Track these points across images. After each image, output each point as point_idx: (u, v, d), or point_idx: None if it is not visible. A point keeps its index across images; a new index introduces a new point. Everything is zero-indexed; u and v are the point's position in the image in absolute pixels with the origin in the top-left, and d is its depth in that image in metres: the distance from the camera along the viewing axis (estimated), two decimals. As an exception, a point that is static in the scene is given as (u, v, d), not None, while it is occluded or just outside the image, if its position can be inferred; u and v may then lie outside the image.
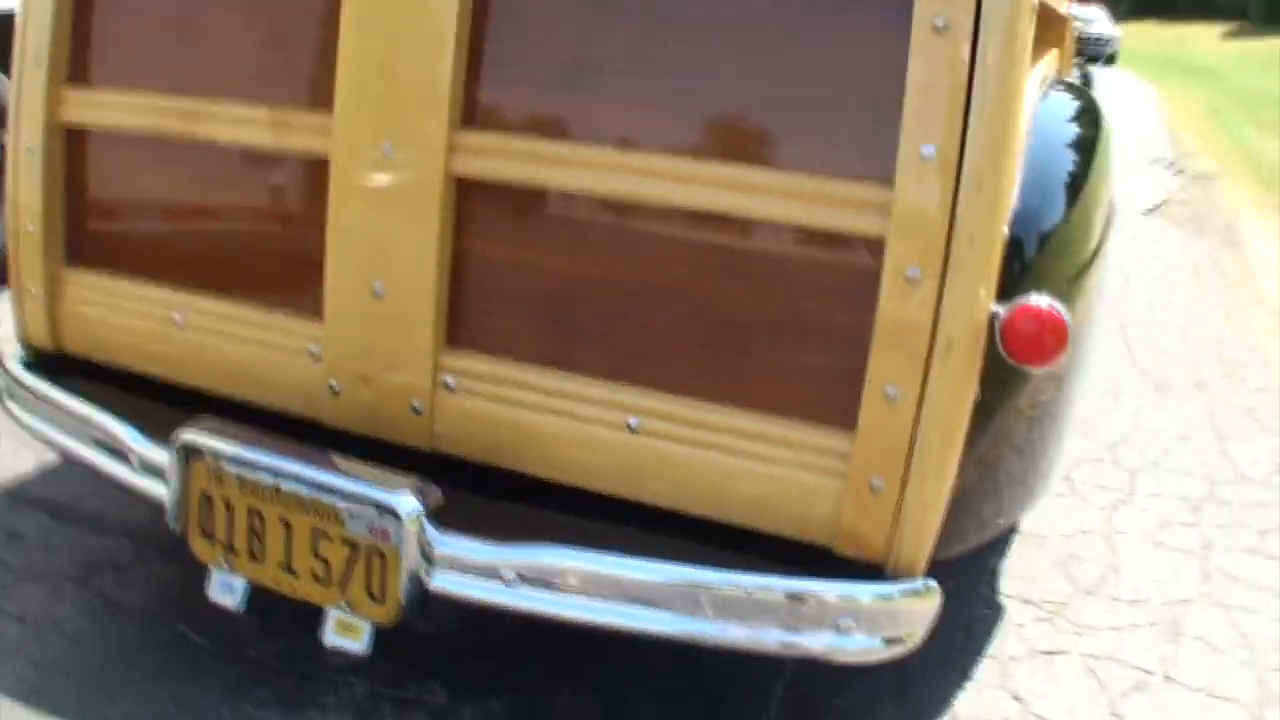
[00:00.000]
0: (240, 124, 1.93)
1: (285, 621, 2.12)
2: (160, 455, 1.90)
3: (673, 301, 1.71)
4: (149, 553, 2.34)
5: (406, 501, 1.67)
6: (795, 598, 1.59)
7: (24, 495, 2.54)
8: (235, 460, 1.79)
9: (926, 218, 1.51)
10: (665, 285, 1.71)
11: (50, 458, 2.70)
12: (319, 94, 1.85)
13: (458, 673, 2.03)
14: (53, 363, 2.21)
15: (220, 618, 2.09)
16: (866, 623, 1.60)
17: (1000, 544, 2.60)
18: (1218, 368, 3.79)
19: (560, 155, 1.71)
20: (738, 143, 1.64)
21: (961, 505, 1.67)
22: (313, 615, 2.05)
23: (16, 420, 2.17)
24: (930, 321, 1.53)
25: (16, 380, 2.17)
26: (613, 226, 1.74)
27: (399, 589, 1.70)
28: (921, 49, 1.49)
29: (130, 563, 2.31)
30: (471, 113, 1.75)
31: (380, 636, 1.72)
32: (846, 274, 1.60)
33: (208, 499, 1.83)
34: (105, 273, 2.13)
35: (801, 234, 1.62)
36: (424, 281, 1.80)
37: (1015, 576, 2.47)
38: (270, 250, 2.00)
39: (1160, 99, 10.36)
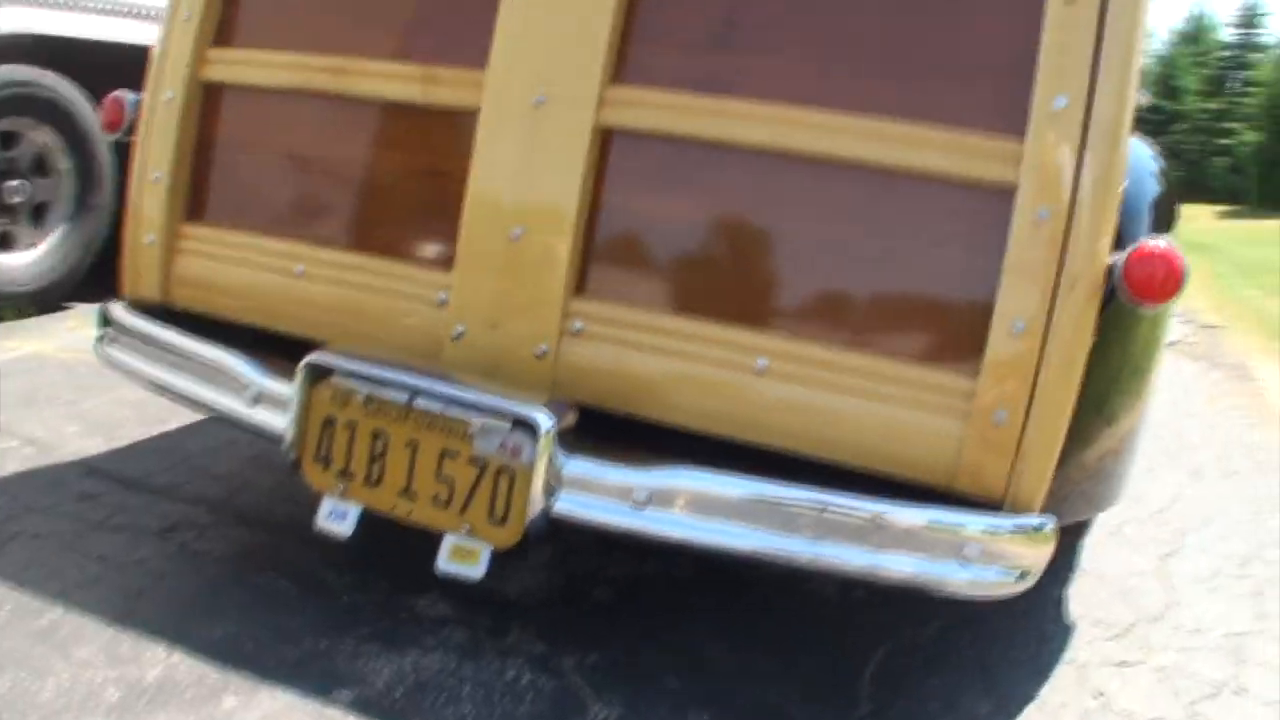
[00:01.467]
0: (386, 79, 2.05)
1: (377, 579, 2.11)
2: (277, 386, 1.95)
3: (805, 247, 1.80)
4: (226, 518, 2.34)
5: (544, 417, 1.72)
6: (924, 524, 1.63)
7: (94, 468, 2.53)
8: (367, 378, 1.83)
9: (1058, 165, 1.62)
10: (798, 231, 1.80)
11: (120, 441, 2.71)
12: (468, 50, 1.97)
13: (553, 630, 2.02)
14: (157, 315, 2.26)
15: (309, 571, 2.09)
16: (991, 555, 1.63)
17: (1061, 575, 2.64)
18: (1246, 461, 3.89)
19: (703, 108, 1.82)
20: (877, 96, 1.75)
21: (1070, 453, 1.73)
22: (404, 573, 2.07)
23: (117, 365, 2.21)
24: (1057, 259, 1.62)
25: (123, 324, 2.22)
26: (748, 175, 1.83)
27: (527, 509, 1.72)
28: (1055, 16, 1.64)
29: (208, 525, 2.30)
30: (622, 68, 1.87)
31: (471, 594, 1.70)
32: (978, 219, 1.69)
33: (329, 423, 1.87)
34: (227, 227, 2.21)
35: (934, 181, 1.72)
36: (563, 227, 1.87)
37: (1080, 603, 2.50)
38: (400, 202, 2.08)
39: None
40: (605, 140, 1.88)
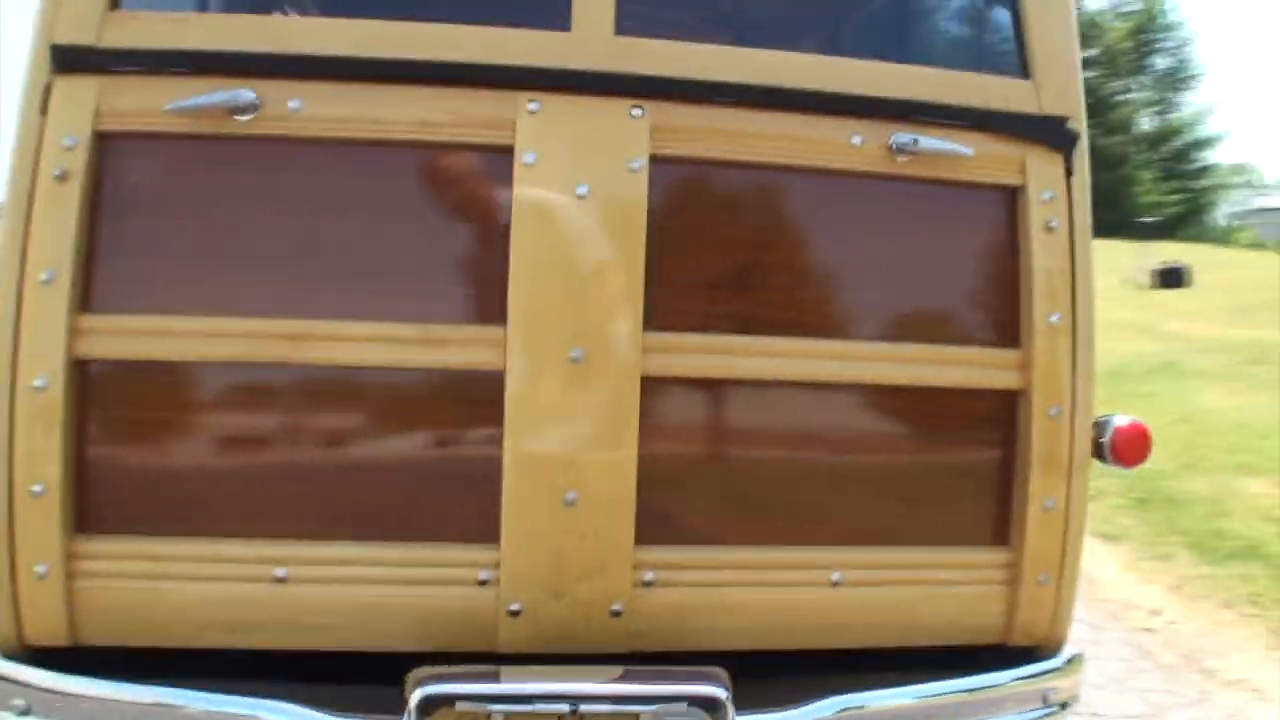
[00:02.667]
0: (366, 343, 1.79)
1: None
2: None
3: (856, 463, 1.98)
4: None
5: (720, 690, 1.72)
6: (1026, 688, 1.94)
7: None
8: (507, 698, 1.68)
9: (1060, 369, 1.98)
10: (847, 450, 1.98)
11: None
12: (466, 304, 1.85)
13: None
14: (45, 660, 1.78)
15: None
16: (1062, 692, 1.99)
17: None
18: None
19: (737, 347, 1.90)
20: (901, 325, 1.97)
21: None
22: None
23: None
24: (1069, 445, 1.99)
25: (50, 689, 1.73)
26: (791, 406, 1.95)
27: (716, 786, 1.72)
28: (1040, 243, 1.97)
29: None
30: (655, 315, 1.86)
31: None
32: (998, 421, 2.00)
33: (459, 755, 1.68)
34: (154, 536, 1.80)
35: (956, 394, 1.98)
36: (621, 483, 1.84)
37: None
38: (406, 479, 1.87)
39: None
40: (645, 388, 1.86)
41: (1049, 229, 1.98)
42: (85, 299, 1.75)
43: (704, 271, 1.92)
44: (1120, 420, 2.06)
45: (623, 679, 1.74)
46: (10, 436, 1.72)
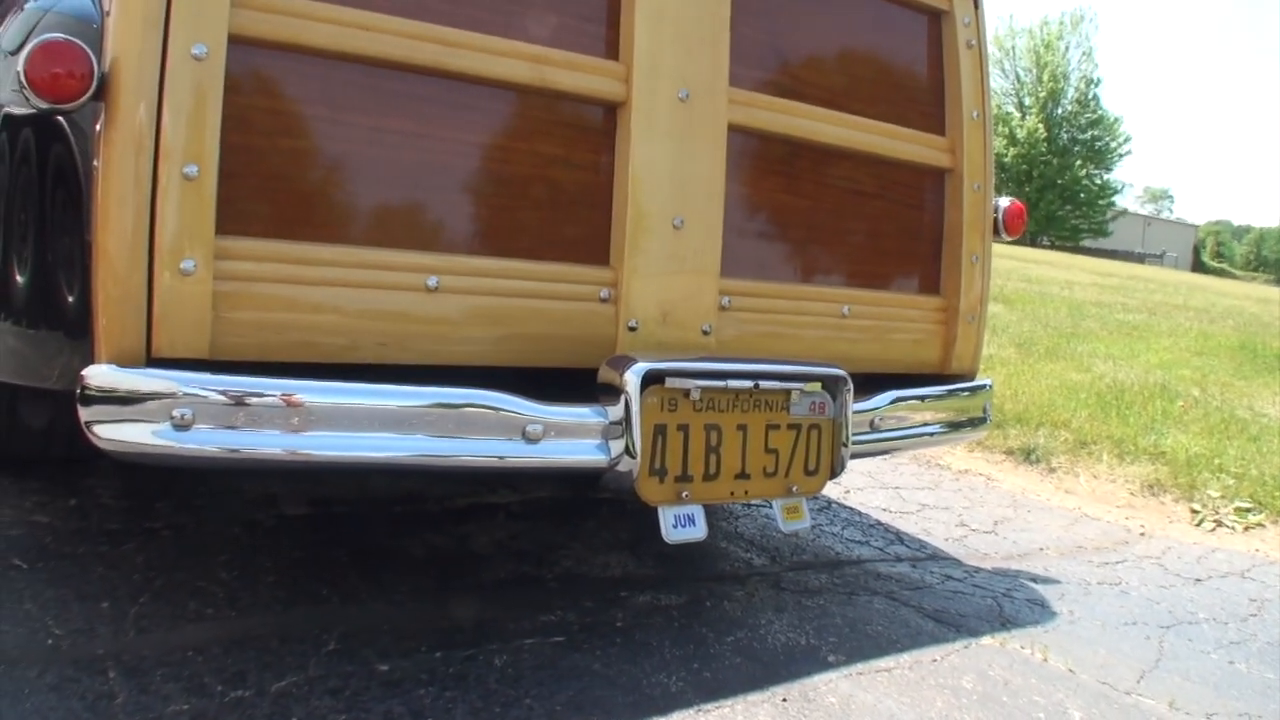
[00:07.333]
0: (508, 59, 1.84)
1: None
2: (565, 414, 1.76)
3: (853, 221, 2.37)
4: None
5: (843, 374, 2.01)
6: (978, 399, 2.46)
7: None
8: (705, 374, 1.84)
9: (978, 153, 2.53)
10: (848, 209, 2.36)
11: None
12: (598, 40, 1.97)
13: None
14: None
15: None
16: (990, 408, 2.53)
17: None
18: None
19: (791, 109, 2.21)
20: (868, 103, 2.37)
21: None
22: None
23: (241, 451, 1.56)
24: (986, 212, 2.55)
25: (229, 394, 1.55)
26: (818, 173, 2.29)
27: (836, 455, 2.02)
28: (963, 56, 2.51)
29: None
30: (734, 71, 2.10)
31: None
32: (937, 194, 2.50)
33: (660, 432, 1.80)
34: (311, 241, 1.69)
35: (911, 169, 2.45)
36: (713, 213, 2.07)
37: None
38: (537, 198, 1.92)
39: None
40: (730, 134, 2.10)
41: (969, 46, 2.53)
42: None
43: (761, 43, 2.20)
44: (1005, 202, 2.67)
45: (784, 362, 1.98)
46: (159, 105, 1.53)
